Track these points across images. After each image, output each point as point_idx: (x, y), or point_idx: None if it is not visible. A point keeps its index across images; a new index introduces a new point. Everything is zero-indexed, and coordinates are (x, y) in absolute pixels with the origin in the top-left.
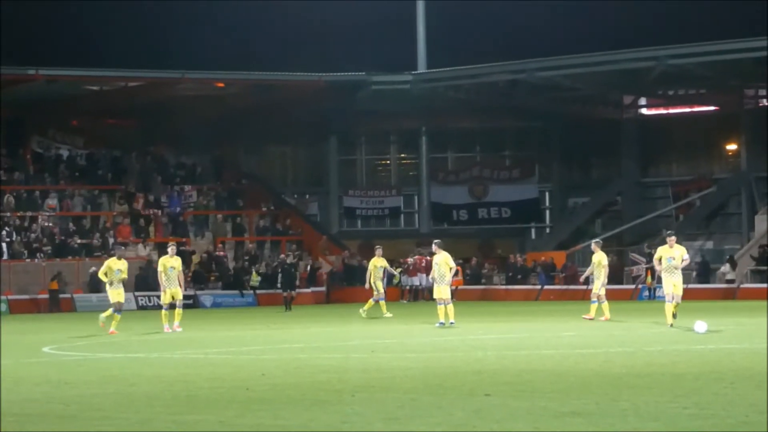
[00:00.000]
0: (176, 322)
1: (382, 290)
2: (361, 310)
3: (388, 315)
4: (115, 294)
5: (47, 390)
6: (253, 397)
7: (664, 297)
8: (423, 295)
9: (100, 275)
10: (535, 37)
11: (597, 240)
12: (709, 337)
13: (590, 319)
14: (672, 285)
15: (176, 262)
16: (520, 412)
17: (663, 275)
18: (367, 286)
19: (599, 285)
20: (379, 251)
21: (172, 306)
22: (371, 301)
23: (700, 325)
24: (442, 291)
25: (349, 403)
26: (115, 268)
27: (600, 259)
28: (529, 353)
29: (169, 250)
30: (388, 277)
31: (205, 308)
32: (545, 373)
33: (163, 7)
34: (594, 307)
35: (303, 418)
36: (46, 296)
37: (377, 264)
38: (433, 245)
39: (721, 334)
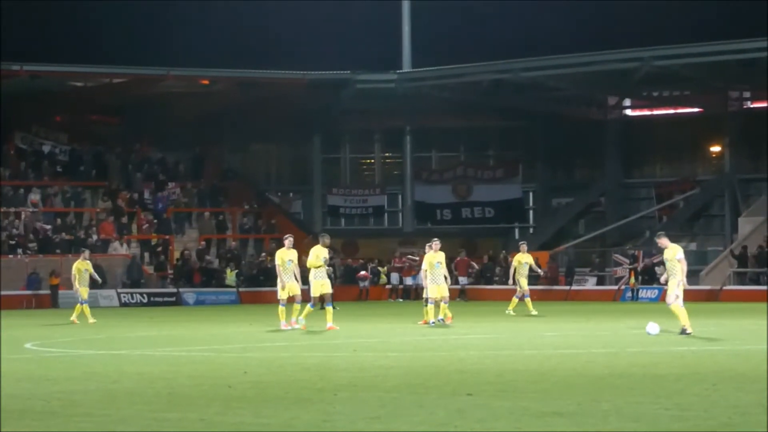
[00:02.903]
0: (293, 318)
1: (526, 287)
2: (507, 310)
3: (534, 312)
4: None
5: (28, 386)
6: (235, 395)
7: (646, 299)
8: (415, 294)
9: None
10: (520, 36)
11: (435, 240)
12: (691, 338)
13: (426, 323)
14: None
15: (293, 254)
16: (502, 412)
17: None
18: (510, 282)
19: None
20: (523, 247)
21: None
22: (515, 299)
23: (652, 327)
24: (443, 290)
25: (331, 401)
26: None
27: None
28: (511, 353)
29: (286, 242)
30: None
31: (187, 305)
32: (527, 373)
33: (149, 3)
34: (430, 308)
35: (285, 417)
36: (28, 292)
37: (521, 260)
38: (435, 243)
39: (703, 336)
